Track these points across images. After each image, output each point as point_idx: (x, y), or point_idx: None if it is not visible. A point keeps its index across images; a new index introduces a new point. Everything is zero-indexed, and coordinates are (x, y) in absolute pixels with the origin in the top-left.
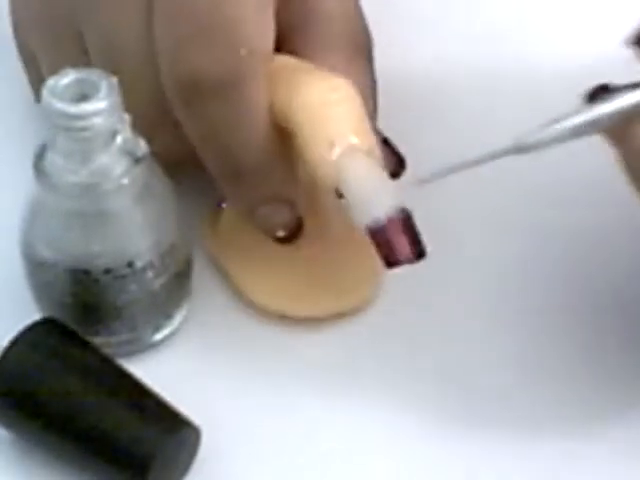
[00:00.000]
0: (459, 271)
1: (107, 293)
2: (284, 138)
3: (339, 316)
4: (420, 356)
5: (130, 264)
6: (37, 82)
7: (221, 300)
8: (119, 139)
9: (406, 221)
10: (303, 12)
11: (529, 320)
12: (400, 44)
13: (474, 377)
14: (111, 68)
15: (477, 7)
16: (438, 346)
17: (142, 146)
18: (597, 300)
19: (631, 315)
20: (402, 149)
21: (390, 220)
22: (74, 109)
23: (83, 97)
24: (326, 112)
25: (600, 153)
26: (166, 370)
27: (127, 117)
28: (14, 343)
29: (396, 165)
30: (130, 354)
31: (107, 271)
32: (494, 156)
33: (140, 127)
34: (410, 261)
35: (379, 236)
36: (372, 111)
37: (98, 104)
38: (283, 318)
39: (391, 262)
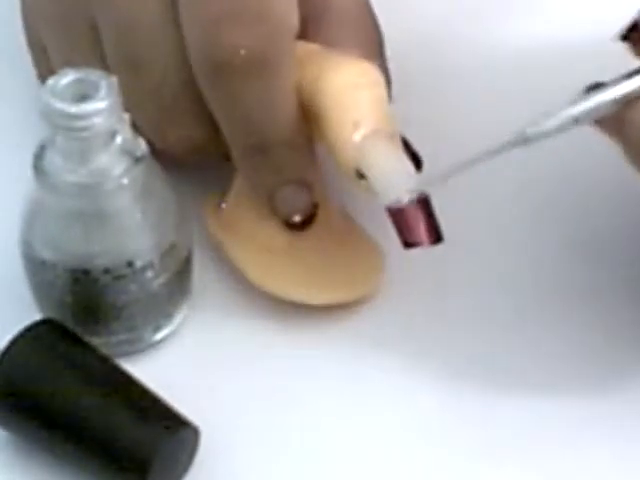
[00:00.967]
0: (461, 264)
1: (107, 293)
2: (307, 122)
3: (338, 311)
4: (423, 349)
5: (130, 264)
6: (47, 76)
7: (221, 300)
8: (119, 139)
9: (425, 205)
10: (318, 7)
11: (531, 313)
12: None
13: (478, 369)
14: (127, 59)
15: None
16: (441, 339)
17: (142, 146)
18: (602, 300)
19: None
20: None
21: (410, 202)
22: (74, 109)
23: (83, 97)
24: (353, 95)
25: (606, 149)
26: (166, 370)
27: (127, 117)
28: (14, 343)
29: (412, 164)
30: (130, 354)
31: (107, 271)
32: (497, 151)
33: (155, 117)
34: (427, 244)
35: (398, 217)
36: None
37: (98, 104)
38: (282, 318)
39: (409, 243)
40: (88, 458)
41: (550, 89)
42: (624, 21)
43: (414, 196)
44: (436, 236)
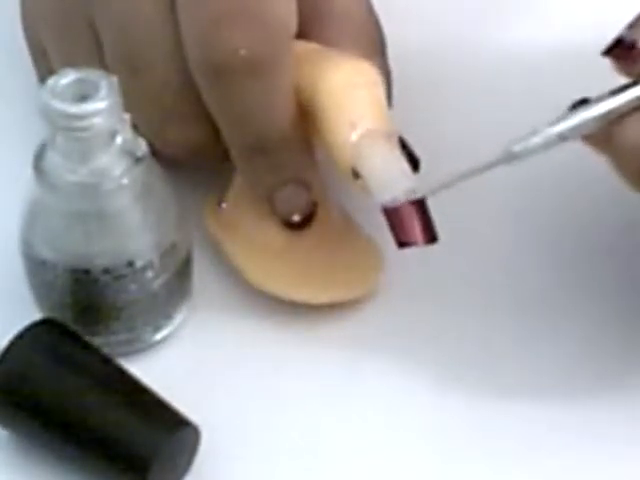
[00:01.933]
0: (459, 263)
1: (107, 293)
2: (305, 121)
3: (338, 310)
4: (421, 348)
5: (130, 264)
6: (47, 77)
7: (221, 300)
8: (119, 139)
9: (420, 204)
10: (318, 7)
11: (531, 314)
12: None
13: (477, 370)
14: (126, 59)
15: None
16: (439, 338)
17: (142, 146)
18: (602, 298)
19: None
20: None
21: (405, 202)
22: (74, 109)
23: (83, 97)
24: (350, 94)
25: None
26: (166, 370)
27: (127, 117)
28: (14, 343)
29: (410, 165)
30: (130, 354)
31: (107, 271)
32: (483, 168)
33: (155, 118)
34: (421, 243)
35: (393, 216)
36: (389, 104)
37: (98, 104)
38: (282, 318)
39: (403, 242)
40: (88, 458)
41: (551, 92)
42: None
43: (409, 194)
44: (431, 236)
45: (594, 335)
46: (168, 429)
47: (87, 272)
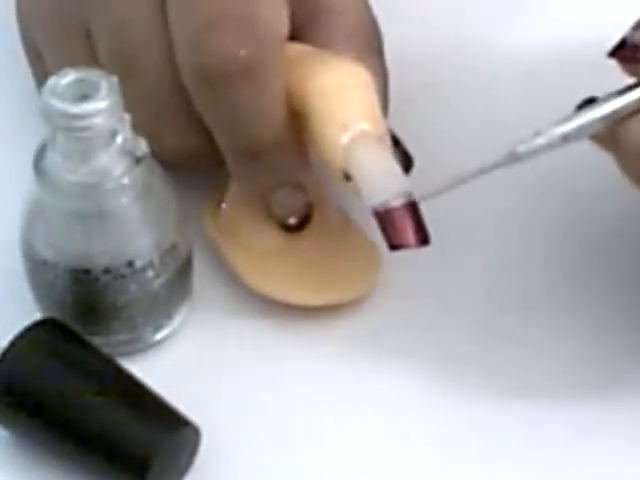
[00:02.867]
0: (459, 263)
1: (107, 293)
2: (297, 124)
3: (337, 310)
4: (418, 349)
5: (130, 264)
6: (43, 79)
7: (221, 300)
8: (119, 139)
9: (411, 206)
10: (315, 6)
11: (530, 315)
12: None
13: (475, 371)
14: (121, 63)
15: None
16: (439, 338)
17: (142, 146)
18: (602, 298)
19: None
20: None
21: (396, 204)
22: (74, 109)
23: (83, 97)
24: (341, 96)
25: (598, 157)
26: (166, 370)
27: (127, 117)
28: (15, 343)
29: (404, 163)
30: (130, 354)
31: (107, 271)
32: (488, 169)
33: (150, 122)
34: (413, 246)
35: (385, 219)
36: (382, 105)
37: (98, 104)
38: (282, 318)
39: (394, 245)
40: (88, 458)
41: (552, 93)
42: (627, 27)
43: (401, 197)
44: (423, 238)
45: (595, 335)
46: (168, 429)
47: (87, 272)
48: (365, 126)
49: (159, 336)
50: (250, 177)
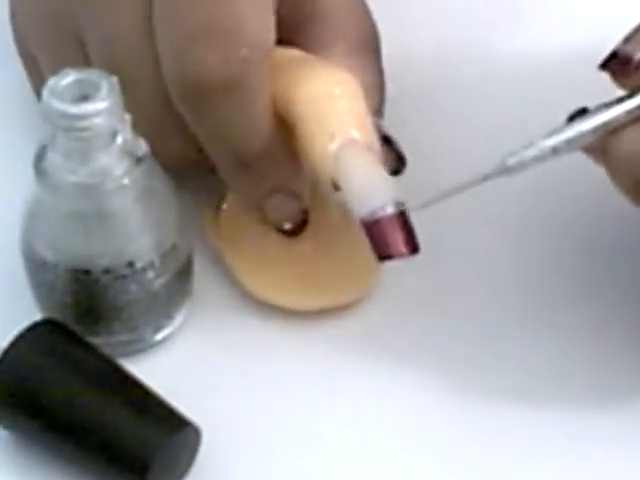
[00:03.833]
0: (458, 265)
1: (107, 293)
2: (287, 131)
3: (337, 311)
4: (418, 349)
5: (130, 264)
6: (39, 84)
7: (221, 300)
8: (119, 139)
9: (401, 216)
10: (310, 6)
11: (529, 312)
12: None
13: (473, 373)
14: (112, 72)
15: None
16: (437, 339)
17: (143, 146)
18: (598, 299)
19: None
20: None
21: (385, 214)
22: (74, 109)
23: (83, 97)
24: (328, 105)
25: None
26: (166, 370)
27: (128, 117)
28: (14, 343)
29: (397, 163)
30: (130, 354)
31: (107, 271)
32: (478, 181)
33: (145, 133)
34: (403, 256)
35: (373, 229)
36: (378, 105)
37: (98, 104)
38: (282, 318)
39: (384, 256)
40: (88, 458)
41: (550, 97)
42: (628, 29)
43: (390, 206)
44: (413, 247)
45: (595, 336)
46: (169, 429)
47: (88, 272)
48: (353, 134)
49: (159, 336)
50: (242, 186)
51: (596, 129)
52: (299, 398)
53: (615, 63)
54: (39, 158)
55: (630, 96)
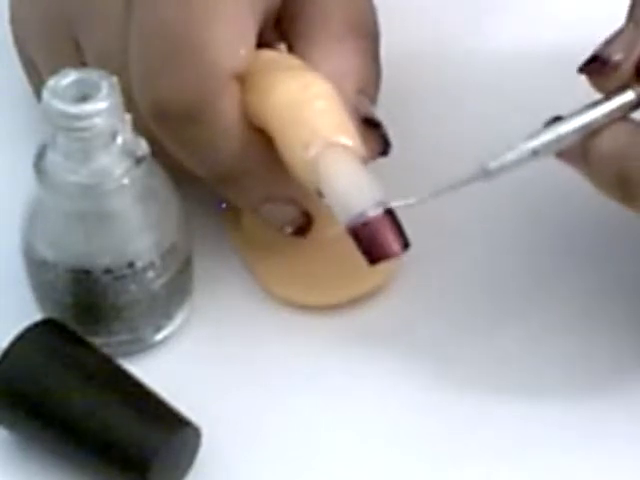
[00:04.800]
0: (459, 264)
1: (107, 293)
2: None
3: (339, 308)
4: (421, 348)
5: (131, 264)
6: (38, 87)
7: (221, 300)
8: (120, 139)
9: (387, 215)
10: None
11: (530, 312)
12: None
13: (476, 369)
14: None
15: None
16: (439, 338)
17: (143, 146)
18: (596, 299)
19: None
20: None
21: (371, 216)
22: (75, 109)
23: (84, 97)
24: (297, 113)
25: None
26: (167, 370)
27: (128, 117)
28: (15, 343)
29: (383, 146)
30: (131, 354)
31: (108, 271)
32: (458, 185)
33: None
34: (395, 255)
35: (361, 234)
36: (372, 90)
37: (99, 104)
38: (282, 318)
39: (375, 259)
40: (88, 458)
41: (547, 94)
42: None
43: (375, 208)
44: (404, 244)
45: (595, 336)
46: (169, 429)
47: (88, 272)
48: (328, 137)
49: (159, 336)
50: (231, 198)
51: (574, 131)
52: (299, 398)
53: (594, 66)
54: (39, 158)
55: (608, 98)
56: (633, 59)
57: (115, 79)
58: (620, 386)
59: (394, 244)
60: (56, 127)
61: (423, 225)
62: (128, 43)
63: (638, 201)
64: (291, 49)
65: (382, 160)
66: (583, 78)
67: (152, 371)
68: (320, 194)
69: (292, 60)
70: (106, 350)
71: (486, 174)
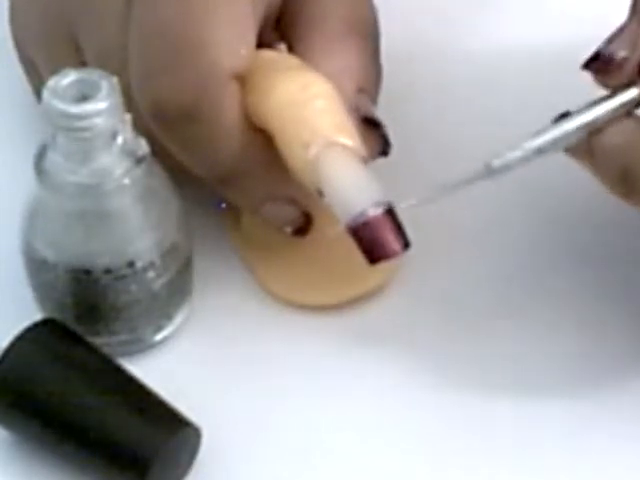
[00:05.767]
0: (460, 264)
1: (108, 293)
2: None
3: (339, 308)
4: (421, 348)
5: (131, 264)
6: (38, 88)
7: (221, 301)
8: (120, 139)
9: (388, 214)
10: None
11: (530, 312)
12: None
13: (476, 369)
14: None
15: None
16: (439, 338)
17: (143, 146)
18: (602, 300)
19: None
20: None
21: (371, 216)
22: (75, 109)
23: (84, 97)
24: (297, 113)
25: None
26: (167, 370)
27: (128, 117)
28: (15, 343)
29: (383, 146)
30: (131, 354)
31: (108, 271)
32: (463, 184)
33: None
34: (396, 254)
35: (361, 234)
36: (372, 90)
37: (99, 104)
38: (283, 318)
39: (375, 258)
40: (88, 458)
41: (549, 92)
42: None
43: (375, 208)
44: (405, 243)
45: (595, 335)
46: (169, 429)
47: (88, 272)
48: (328, 137)
49: (159, 336)
50: (230, 198)
51: (579, 128)
52: (299, 398)
53: (598, 63)
54: (40, 158)
55: (612, 95)
56: (637, 56)
57: (115, 79)
58: (620, 386)
59: (394, 244)
60: (56, 127)
61: (423, 225)
62: (128, 43)
63: None
64: (291, 49)
65: (382, 160)
66: (585, 76)
67: (152, 371)
68: (320, 194)
69: (292, 60)
70: (106, 350)
71: (490, 172)
